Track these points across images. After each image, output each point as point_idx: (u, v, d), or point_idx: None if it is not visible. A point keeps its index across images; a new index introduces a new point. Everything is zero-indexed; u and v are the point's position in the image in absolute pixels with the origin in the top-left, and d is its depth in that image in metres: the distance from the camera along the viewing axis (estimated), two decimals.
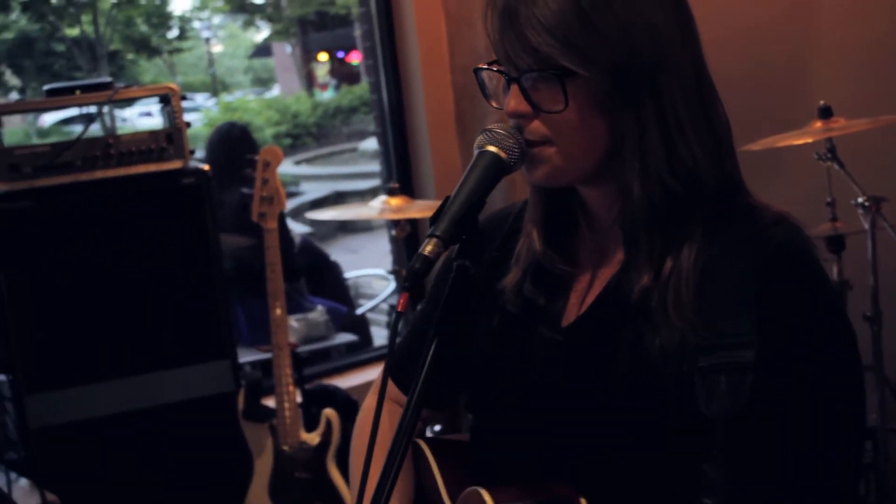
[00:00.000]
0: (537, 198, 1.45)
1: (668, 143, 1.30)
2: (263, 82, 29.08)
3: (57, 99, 3.07)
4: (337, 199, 14.15)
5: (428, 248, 1.21)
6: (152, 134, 3.06)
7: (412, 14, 4.18)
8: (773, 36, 3.78)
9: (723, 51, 3.62)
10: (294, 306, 4.65)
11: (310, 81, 25.23)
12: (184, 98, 3.09)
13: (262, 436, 3.20)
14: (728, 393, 1.22)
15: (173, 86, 3.10)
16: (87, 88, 3.06)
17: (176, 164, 3.07)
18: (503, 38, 1.30)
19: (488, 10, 1.33)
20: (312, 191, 15.66)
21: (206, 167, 3.12)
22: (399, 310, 1.17)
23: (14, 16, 17.69)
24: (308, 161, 18.86)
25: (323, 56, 25.43)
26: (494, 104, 1.39)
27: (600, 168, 1.34)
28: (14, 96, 19.52)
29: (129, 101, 3.22)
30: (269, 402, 3.26)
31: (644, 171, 1.30)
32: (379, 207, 3.37)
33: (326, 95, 23.70)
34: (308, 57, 25.39)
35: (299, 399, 3.35)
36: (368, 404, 1.71)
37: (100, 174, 3.00)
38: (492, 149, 1.30)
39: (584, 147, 1.31)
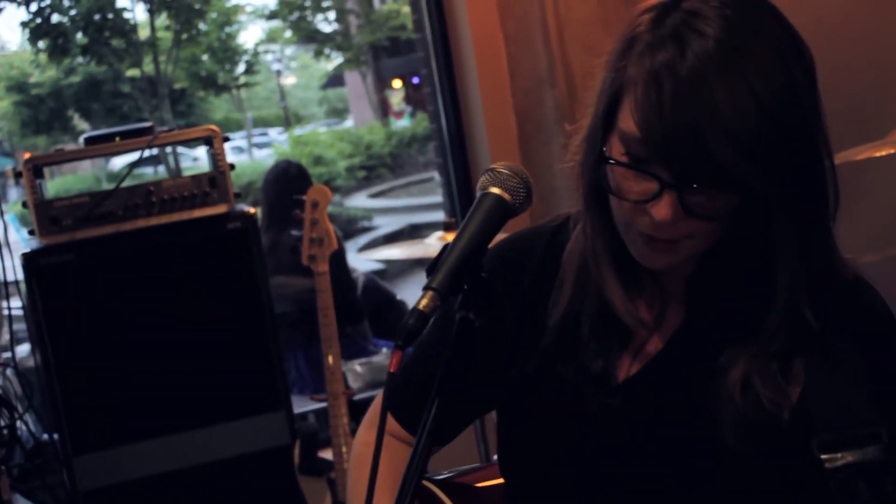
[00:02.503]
0: (605, 241, 1.35)
1: (822, 247, 1.26)
2: (338, 113, 29.41)
3: (96, 147, 3.10)
4: (412, 231, 14.20)
5: (423, 302, 1.17)
6: (195, 178, 3.08)
7: (469, 38, 4.17)
8: (849, 38, 3.68)
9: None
10: (358, 350, 4.64)
11: (384, 110, 25.43)
12: (226, 140, 3.10)
13: (320, 490, 3.19)
14: (872, 499, 1.17)
15: (215, 128, 3.12)
16: (126, 134, 3.09)
17: (221, 209, 3.08)
18: (681, 142, 1.16)
19: (653, 90, 1.18)
20: (387, 224, 15.74)
21: (252, 210, 3.12)
22: (391, 370, 1.13)
23: (79, 59, 18.14)
24: (382, 193, 18.97)
25: (397, 83, 25.62)
26: (616, 194, 1.26)
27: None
28: (81, 142, 20.02)
29: (175, 144, 3.24)
30: (327, 455, 3.24)
31: (793, 270, 1.24)
32: (437, 244, 3.34)
33: (402, 123, 23.86)
34: (381, 84, 25.60)
35: None
36: (363, 438, 1.65)
37: (142, 223, 3.03)
38: (495, 190, 1.25)
39: (719, 237, 1.26)
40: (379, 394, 1.67)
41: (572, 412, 1.38)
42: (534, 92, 3.91)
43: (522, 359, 1.44)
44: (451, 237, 3.29)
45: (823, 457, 1.18)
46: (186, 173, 3.18)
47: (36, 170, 3.00)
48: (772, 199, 1.18)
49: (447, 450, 1.62)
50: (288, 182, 4.72)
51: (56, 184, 18.07)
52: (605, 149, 1.25)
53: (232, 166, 3.11)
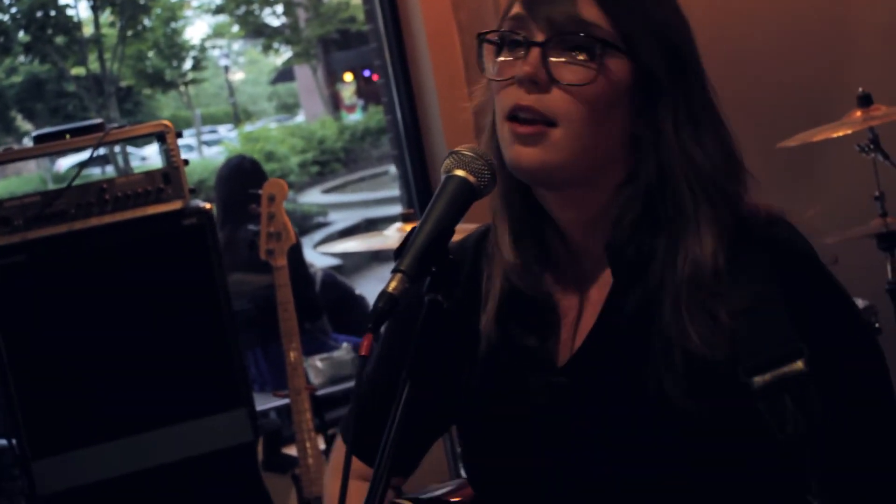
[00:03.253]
0: (505, 217, 1.42)
1: (685, 143, 1.30)
2: (288, 108, 29.30)
3: (46, 146, 3.09)
4: (368, 226, 14.19)
5: (392, 284, 1.19)
6: (148, 175, 3.07)
7: (422, 28, 4.19)
8: (803, 26, 3.75)
9: (751, 47, 3.60)
10: (318, 345, 4.65)
11: (335, 104, 25.38)
12: (179, 135, 3.10)
13: (285, 487, 3.20)
14: (799, 411, 1.22)
15: (167, 122, 3.11)
16: (77, 132, 3.07)
17: (176, 205, 3.08)
18: (546, 3, 1.29)
19: None
20: (342, 220, 15.73)
21: (208, 206, 3.12)
22: (363, 353, 1.15)
23: (21, 58, 17.95)
24: (337, 188, 18.95)
25: (348, 76, 25.58)
26: (493, 77, 1.35)
27: (598, 166, 1.32)
28: (27, 141, 19.82)
29: (126, 141, 3.23)
30: (291, 451, 3.25)
31: (660, 169, 1.30)
32: (396, 236, 3.37)
33: (354, 117, 23.82)
34: (332, 78, 25.54)
35: (322, 446, 3.34)
36: (331, 490, 1.62)
37: (95, 221, 3.01)
38: (459, 173, 1.27)
39: (595, 133, 1.30)
40: (339, 438, 1.64)
41: (521, 403, 1.40)
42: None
43: (467, 368, 1.46)
44: (409, 227, 3.32)
45: (752, 380, 1.23)
46: (138, 171, 3.16)
47: None
48: (636, 54, 1.29)
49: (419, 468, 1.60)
50: (242, 177, 4.70)
51: (0, 186, 17.87)
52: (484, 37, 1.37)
53: (186, 162, 3.10)
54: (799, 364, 1.22)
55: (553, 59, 1.28)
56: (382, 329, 1.40)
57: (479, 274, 1.46)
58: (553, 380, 1.37)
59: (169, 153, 3.09)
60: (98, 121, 3.13)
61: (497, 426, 1.43)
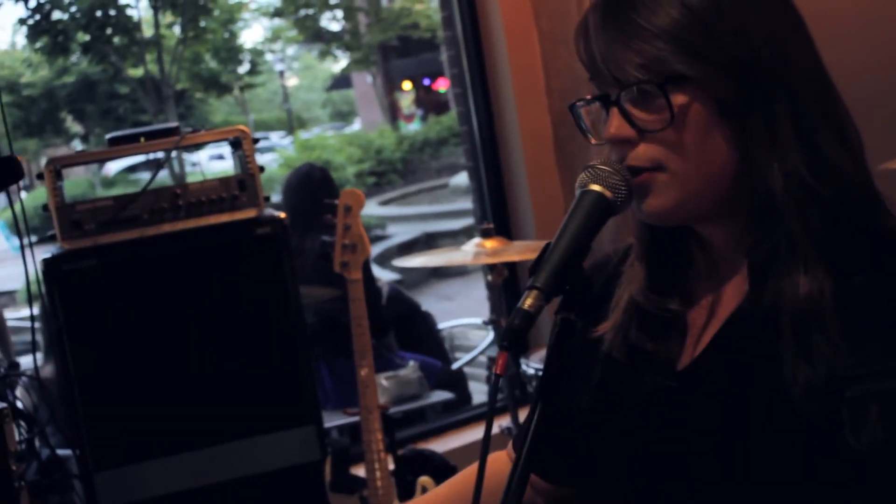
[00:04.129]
0: (643, 234, 1.44)
1: (806, 141, 1.29)
2: (343, 116, 29.47)
3: (120, 148, 3.13)
4: (427, 241, 14.24)
5: (528, 301, 1.21)
6: (223, 181, 3.11)
7: (502, 36, 4.20)
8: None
9: (850, 64, 3.57)
10: (383, 363, 4.66)
11: (393, 113, 25.50)
12: (256, 141, 3.13)
13: None
14: (880, 421, 1.21)
15: (244, 128, 3.14)
16: (152, 135, 3.11)
17: (250, 213, 3.11)
18: (602, 58, 1.31)
19: (580, 39, 1.35)
20: (400, 233, 15.76)
21: (282, 215, 3.15)
22: (497, 372, 1.17)
23: (74, 58, 18.18)
24: (394, 201, 19.00)
25: (407, 85, 25.70)
26: (594, 140, 1.39)
27: (721, 200, 1.33)
28: (76, 144, 20.08)
29: (197, 146, 3.28)
30: (359, 471, 3.26)
31: (785, 174, 1.29)
32: (472, 251, 3.37)
33: (412, 127, 23.91)
34: (391, 86, 25.67)
35: (392, 466, 3.35)
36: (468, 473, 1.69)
37: (168, 227, 3.05)
38: (595, 188, 1.30)
39: (701, 166, 1.31)
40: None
41: (630, 401, 1.43)
42: (570, 92, 3.94)
43: (592, 371, 1.49)
44: (489, 244, 3.33)
45: (848, 388, 1.23)
46: (190, 179, 3.19)
47: (56, 172, 3.04)
48: (704, 84, 1.28)
49: None
50: (311, 186, 4.74)
51: (44, 190, 18.09)
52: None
53: (262, 169, 3.13)
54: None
55: (632, 111, 1.31)
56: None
57: (613, 289, 1.48)
58: (664, 383, 1.40)
59: (245, 160, 3.12)
60: (173, 125, 3.17)
61: (604, 420, 1.46)
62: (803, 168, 1.28)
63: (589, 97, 1.37)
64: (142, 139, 3.10)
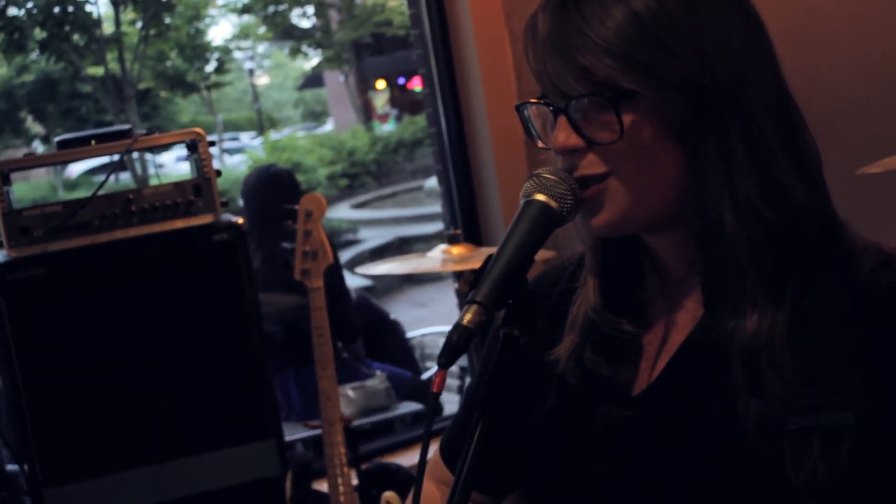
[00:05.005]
0: (594, 251, 1.43)
1: (760, 169, 1.28)
2: (316, 116, 29.43)
3: (70, 152, 3.11)
4: (400, 246, 14.25)
5: (467, 316, 1.20)
6: (178, 186, 3.09)
7: (472, 35, 4.20)
8: (887, 44, 3.73)
9: (828, 64, 3.59)
10: (350, 373, 4.65)
11: (367, 113, 25.47)
12: (212, 144, 3.12)
13: None
14: (822, 458, 1.21)
15: (200, 130, 3.13)
16: (103, 137, 3.09)
17: (206, 219, 3.09)
18: (549, 65, 1.30)
19: (529, 38, 1.34)
20: (373, 237, 15.77)
21: (240, 220, 3.13)
22: (434, 390, 1.16)
23: (34, 55, 18.08)
24: (367, 204, 19.00)
25: (381, 84, 25.67)
26: (541, 145, 1.39)
27: (671, 211, 1.32)
28: (37, 146, 19.98)
29: (151, 149, 3.26)
30: (322, 486, 3.25)
31: (735, 202, 1.28)
32: (440, 258, 3.37)
33: (387, 128, 23.90)
34: (364, 85, 25.65)
35: (355, 481, 3.34)
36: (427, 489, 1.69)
37: (120, 234, 3.03)
38: (540, 197, 1.29)
39: (651, 181, 1.30)
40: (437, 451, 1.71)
41: (585, 431, 1.42)
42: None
43: (544, 392, 1.48)
44: (455, 250, 3.33)
45: (789, 419, 1.23)
46: (153, 182, 3.17)
47: (3, 176, 3.01)
48: (657, 102, 1.27)
49: None
50: (273, 188, 4.71)
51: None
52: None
53: (218, 173, 3.12)
54: (842, 414, 1.22)
55: (581, 121, 1.30)
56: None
57: (570, 296, 1.48)
58: (617, 410, 1.39)
59: (200, 163, 3.10)
60: (126, 127, 3.15)
61: (559, 449, 1.45)
62: (756, 198, 1.28)
63: (535, 100, 1.36)
64: (93, 142, 3.08)
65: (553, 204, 1.29)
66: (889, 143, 3.11)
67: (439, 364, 1.17)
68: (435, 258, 3.40)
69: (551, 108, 1.33)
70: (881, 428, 1.23)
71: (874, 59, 3.68)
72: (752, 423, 1.26)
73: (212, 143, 3.12)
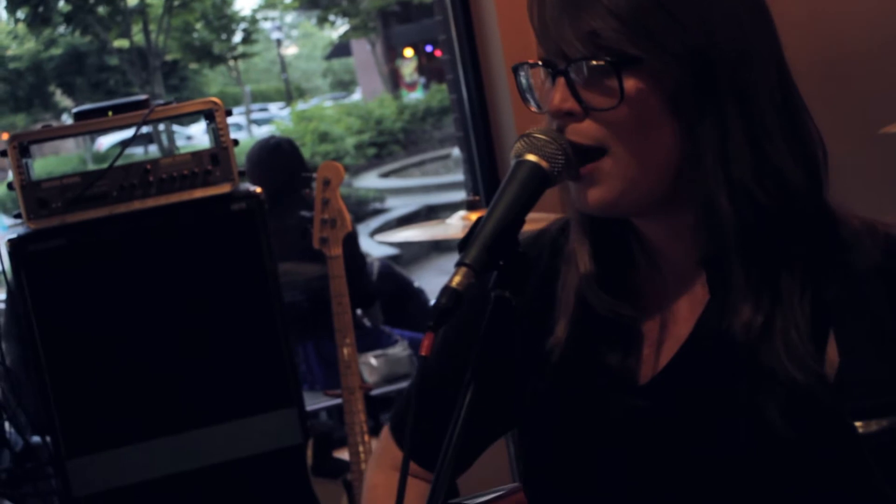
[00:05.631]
0: (582, 224, 1.40)
1: (757, 149, 1.26)
2: (344, 85, 29.43)
3: (87, 123, 3.11)
4: (428, 213, 14.23)
5: (456, 279, 1.17)
6: (195, 156, 3.09)
7: (492, 1, 4.17)
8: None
9: (851, 26, 3.55)
10: (373, 341, 4.66)
11: (395, 81, 25.43)
12: (229, 113, 3.11)
13: (336, 493, 3.21)
14: None
15: (216, 100, 3.12)
16: (120, 108, 3.10)
17: (224, 189, 3.09)
18: (555, 26, 1.27)
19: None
20: (401, 206, 15.75)
21: (258, 189, 3.13)
22: (423, 353, 1.14)
23: (61, 29, 18.13)
24: (395, 172, 18.98)
25: (408, 52, 25.62)
26: (533, 109, 1.37)
27: (667, 191, 1.30)
28: (67, 119, 20.08)
29: (172, 119, 3.26)
30: (343, 455, 3.26)
31: (730, 183, 1.26)
32: (459, 225, 3.35)
33: (414, 96, 23.86)
34: (392, 53, 25.61)
35: None
36: (372, 479, 1.65)
37: (138, 205, 3.03)
38: (531, 158, 1.26)
39: (646, 157, 1.27)
40: (385, 429, 1.67)
41: (596, 422, 1.39)
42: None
43: (536, 374, 1.45)
44: (475, 217, 3.31)
45: (857, 424, 1.19)
46: (184, 151, 3.18)
47: (22, 148, 3.01)
48: (659, 71, 1.24)
49: (478, 470, 1.62)
50: (278, 159, 4.69)
51: (38, 165, 18.08)
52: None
53: (235, 142, 3.12)
54: None
55: (580, 85, 1.28)
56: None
57: (557, 273, 1.44)
58: (634, 402, 1.36)
59: (217, 133, 3.10)
60: (143, 97, 3.15)
61: (567, 441, 1.42)
62: (751, 180, 1.26)
63: (534, 61, 1.33)
64: (109, 113, 3.09)
65: (544, 164, 1.26)
66: None
67: (427, 327, 1.16)
68: (455, 225, 3.38)
69: (550, 70, 1.30)
70: None
71: (893, 17, 3.63)
72: (777, 413, 1.25)
73: (228, 113, 3.12)
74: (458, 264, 1.20)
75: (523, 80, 1.38)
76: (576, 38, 1.26)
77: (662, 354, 1.37)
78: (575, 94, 1.28)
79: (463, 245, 1.22)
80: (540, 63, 1.32)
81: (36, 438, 3.31)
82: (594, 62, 1.25)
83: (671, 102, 1.26)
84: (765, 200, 1.26)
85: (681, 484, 1.32)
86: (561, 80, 1.28)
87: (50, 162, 19.69)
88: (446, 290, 1.17)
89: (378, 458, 1.67)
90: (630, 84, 1.25)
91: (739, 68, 1.26)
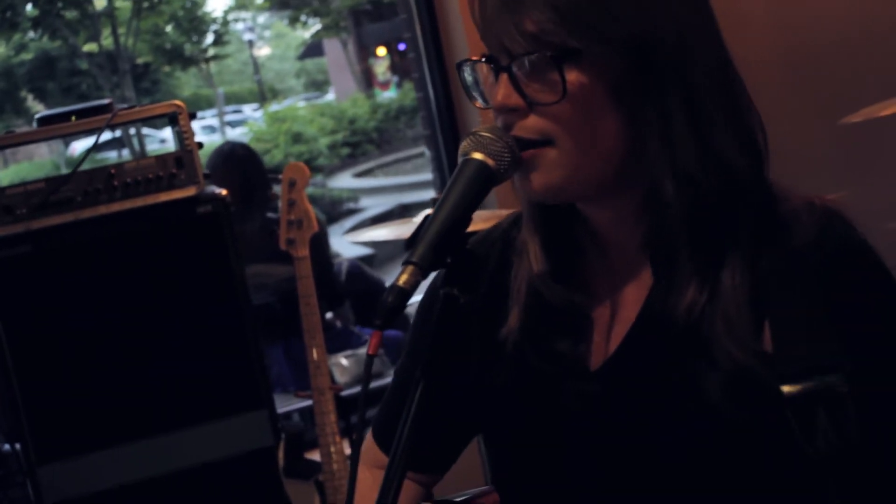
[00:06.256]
0: (532, 217, 1.42)
1: (699, 136, 1.28)
2: (318, 85, 29.38)
3: (50, 128, 3.10)
4: (402, 212, 14.22)
5: (403, 277, 1.19)
6: (159, 159, 3.09)
7: None
8: None
9: (812, 18, 3.57)
10: (343, 342, 4.66)
11: (368, 80, 25.40)
12: (192, 116, 3.11)
13: (308, 494, 3.22)
14: (832, 427, 1.21)
15: (179, 103, 3.12)
16: (83, 113, 3.09)
17: (189, 192, 3.09)
18: (496, 22, 1.29)
19: None
20: (375, 205, 15.76)
21: (224, 192, 3.12)
22: (370, 353, 1.15)
23: (31, 34, 18.05)
24: (369, 172, 18.98)
25: (381, 50, 25.59)
26: (479, 105, 1.39)
27: (612, 178, 1.32)
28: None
29: (138, 122, 3.25)
30: (315, 456, 3.26)
31: (674, 168, 1.28)
32: None
33: (388, 95, 23.84)
34: (364, 53, 25.57)
35: (348, 450, 3.35)
36: (358, 476, 1.66)
37: (103, 209, 3.03)
38: (477, 156, 1.28)
39: (591, 147, 1.29)
40: (370, 432, 1.69)
41: (551, 408, 1.41)
42: None
43: (493, 365, 1.46)
44: None
45: (784, 388, 1.22)
46: (151, 155, 3.18)
47: None
48: (600, 62, 1.26)
49: (450, 473, 1.64)
50: (237, 164, 4.69)
51: (10, 172, 18.03)
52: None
53: (200, 145, 3.11)
54: (835, 377, 1.21)
55: (524, 80, 1.29)
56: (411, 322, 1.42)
57: (509, 265, 1.46)
58: (586, 387, 1.38)
59: (182, 135, 3.10)
60: (106, 101, 3.15)
61: (524, 430, 1.44)
62: (694, 165, 1.28)
63: (477, 57, 1.35)
64: (73, 118, 3.08)
65: (490, 162, 1.27)
66: (870, 92, 3.10)
67: (375, 326, 1.17)
68: (420, 224, 3.39)
69: (493, 66, 1.32)
70: (872, 387, 1.24)
71: (854, 10, 3.65)
72: (717, 393, 1.27)
73: (192, 115, 3.12)
74: (405, 262, 1.21)
75: (468, 77, 1.39)
76: (517, 33, 1.27)
77: (612, 339, 1.39)
78: (518, 89, 1.29)
79: (410, 243, 1.23)
80: (483, 59, 1.33)
81: (6, 446, 3.30)
82: (535, 57, 1.26)
83: (613, 92, 1.27)
84: (708, 184, 1.28)
85: (637, 466, 1.34)
86: (504, 77, 1.30)
87: (23, 168, 19.60)
88: (393, 289, 1.18)
89: (363, 456, 1.67)
90: (572, 77, 1.26)
91: (679, 55, 1.28)
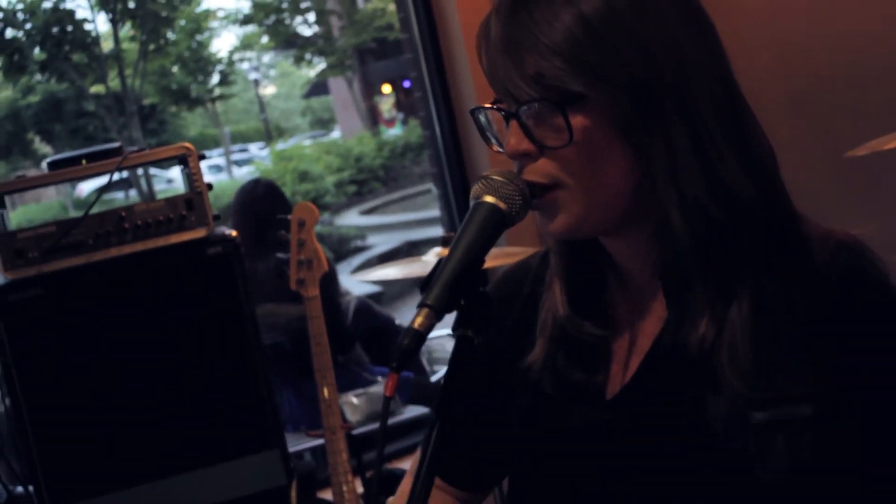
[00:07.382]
0: (558, 253, 1.45)
1: (706, 164, 1.30)
2: (324, 123, 29.47)
3: (61, 172, 3.13)
4: (410, 250, 14.23)
5: (418, 320, 1.21)
6: (169, 201, 3.11)
7: (460, 35, 4.21)
8: (874, 28, 3.72)
9: (816, 52, 3.59)
10: (352, 380, 4.66)
11: (374, 118, 25.48)
12: (202, 157, 3.13)
13: None
14: (786, 453, 1.24)
15: (189, 145, 3.14)
16: (93, 156, 3.12)
17: (199, 233, 3.10)
18: (501, 69, 1.31)
19: (482, 43, 1.35)
20: (382, 243, 15.76)
21: (234, 233, 3.14)
22: (387, 394, 1.17)
23: (38, 77, 18.14)
24: (376, 209, 19.00)
25: (386, 88, 25.69)
26: (495, 148, 1.41)
27: (625, 212, 1.34)
28: (45, 167, 20.05)
29: (153, 163, 3.27)
30: (327, 495, 3.26)
31: (683, 199, 1.30)
32: (433, 262, 3.37)
33: (393, 132, 23.90)
34: (370, 90, 25.67)
35: (360, 489, 3.35)
36: (402, 488, 1.71)
37: (114, 252, 3.04)
38: (489, 199, 1.30)
39: (601, 186, 1.31)
40: None
41: (565, 436, 1.44)
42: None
43: (516, 395, 1.50)
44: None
45: (752, 415, 1.25)
46: (160, 196, 3.20)
47: None
48: (604, 104, 1.28)
49: None
50: (258, 202, 4.72)
51: (19, 214, 18.09)
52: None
53: (209, 186, 3.13)
54: (806, 409, 1.24)
55: (532, 125, 1.31)
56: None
57: (539, 298, 1.49)
58: (596, 415, 1.41)
59: (191, 177, 3.12)
60: (116, 144, 3.17)
61: (539, 456, 1.47)
62: (703, 195, 1.29)
63: (488, 105, 1.37)
64: (83, 161, 3.10)
65: (502, 205, 1.30)
66: (875, 125, 3.11)
67: (391, 368, 1.19)
68: (432, 262, 3.41)
69: (503, 112, 1.34)
70: (838, 420, 1.25)
71: (860, 43, 3.68)
72: (720, 424, 1.29)
73: (202, 157, 3.14)
74: (420, 305, 1.23)
75: (483, 120, 1.42)
76: (521, 80, 1.29)
77: (629, 369, 1.41)
78: (528, 134, 1.31)
79: (425, 286, 1.25)
80: (494, 107, 1.36)
81: (20, 489, 3.30)
82: (539, 103, 1.29)
83: (619, 130, 1.29)
84: (717, 214, 1.30)
85: (645, 494, 1.36)
86: (514, 123, 1.32)
87: (31, 210, 19.68)
88: (408, 332, 1.21)
89: (409, 471, 1.72)
90: (577, 121, 1.28)
91: (682, 88, 1.30)
